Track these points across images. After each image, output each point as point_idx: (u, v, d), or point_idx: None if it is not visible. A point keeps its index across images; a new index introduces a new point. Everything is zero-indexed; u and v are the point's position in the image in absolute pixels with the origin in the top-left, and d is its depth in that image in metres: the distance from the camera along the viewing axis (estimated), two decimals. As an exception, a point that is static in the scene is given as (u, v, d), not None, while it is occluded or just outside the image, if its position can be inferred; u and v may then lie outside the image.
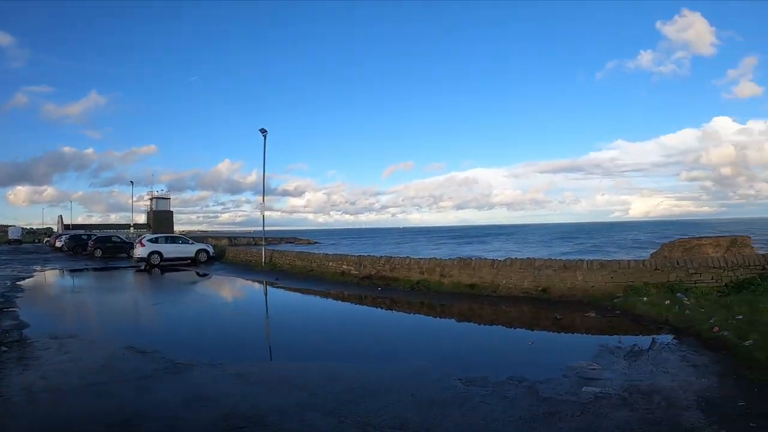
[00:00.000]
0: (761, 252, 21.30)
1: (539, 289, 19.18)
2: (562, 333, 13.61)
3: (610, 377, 7.65)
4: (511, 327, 13.80)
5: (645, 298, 16.04)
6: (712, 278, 16.81)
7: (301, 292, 21.38)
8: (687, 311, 14.33)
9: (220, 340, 11.63)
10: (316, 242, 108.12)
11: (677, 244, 25.14)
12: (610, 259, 18.24)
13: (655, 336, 12.33)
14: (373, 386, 7.35)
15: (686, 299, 15.64)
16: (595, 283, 17.96)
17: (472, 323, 15.12)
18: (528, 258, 20.22)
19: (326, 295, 19.61)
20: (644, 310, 15.15)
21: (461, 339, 12.06)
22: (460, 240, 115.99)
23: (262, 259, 31.79)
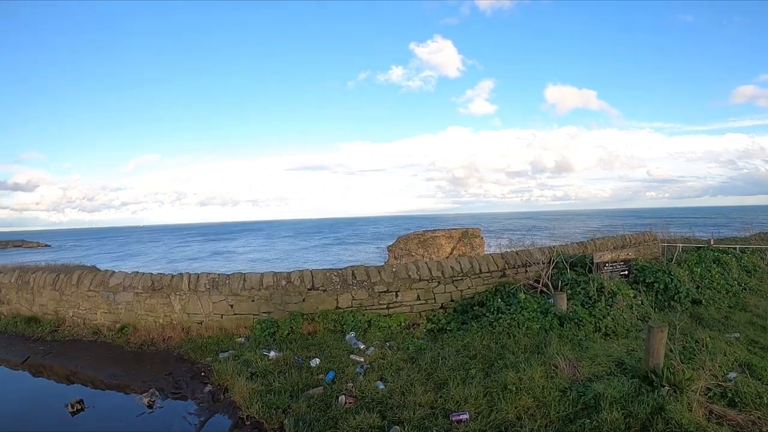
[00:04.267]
0: (494, 247, 15.33)
1: (117, 326, 8.96)
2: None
3: None
4: None
5: (272, 354, 6.66)
6: (419, 297, 8.63)
7: None
8: (346, 388, 5.36)
9: None
10: (47, 245, 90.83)
11: (412, 236, 21.80)
12: (271, 271, 8.71)
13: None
14: None
15: (362, 348, 6.87)
16: (204, 316, 8.26)
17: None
18: (103, 271, 9.54)
19: None
20: (252, 390, 5.58)
21: None
22: (210, 238, 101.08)
23: None
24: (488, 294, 9.15)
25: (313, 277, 8.15)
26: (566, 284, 9.39)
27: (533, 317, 7.41)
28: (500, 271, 9.92)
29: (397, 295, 8.49)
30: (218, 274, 8.35)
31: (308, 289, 8.05)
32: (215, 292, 8.14)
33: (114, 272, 9.15)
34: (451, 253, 21.67)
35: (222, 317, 8.18)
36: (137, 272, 8.97)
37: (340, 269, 8.45)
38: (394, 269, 8.64)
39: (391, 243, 25.20)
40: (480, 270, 9.54)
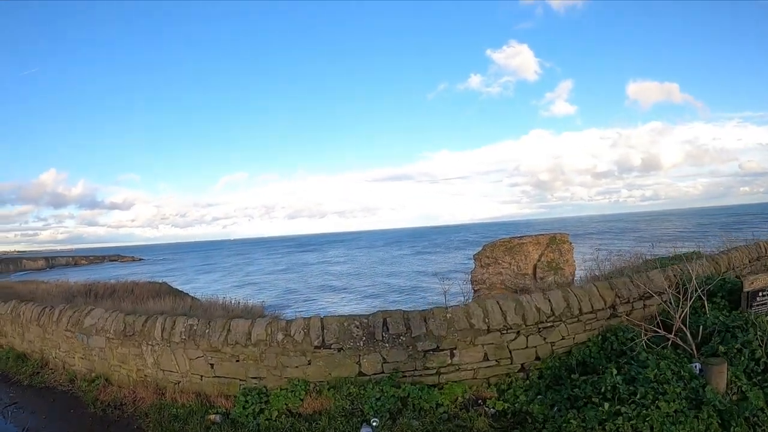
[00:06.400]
0: (587, 259, 12.28)
1: (92, 376, 7.12)
2: None
3: None
4: None
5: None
6: (486, 357, 5.76)
7: None
8: None
9: None
10: (141, 259, 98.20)
11: (499, 244, 21.27)
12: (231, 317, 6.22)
13: None
14: None
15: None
16: (180, 375, 6.08)
17: None
18: (81, 307, 7.86)
19: None
20: None
21: None
22: (296, 250, 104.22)
23: None
24: (593, 347, 6.07)
25: (323, 328, 5.56)
26: (710, 332, 6.04)
27: (676, 412, 4.29)
28: (608, 308, 6.72)
29: (452, 355, 5.66)
30: (198, 320, 6.03)
31: (315, 347, 5.46)
32: (191, 345, 5.85)
33: (92, 309, 7.25)
34: (539, 260, 20.79)
35: (202, 379, 5.89)
36: (113, 312, 6.98)
37: (366, 317, 5.76)
38: (448, 315, 5.82)
39: (477, 251, 24.07)
40: (580, 310, 6.41)
